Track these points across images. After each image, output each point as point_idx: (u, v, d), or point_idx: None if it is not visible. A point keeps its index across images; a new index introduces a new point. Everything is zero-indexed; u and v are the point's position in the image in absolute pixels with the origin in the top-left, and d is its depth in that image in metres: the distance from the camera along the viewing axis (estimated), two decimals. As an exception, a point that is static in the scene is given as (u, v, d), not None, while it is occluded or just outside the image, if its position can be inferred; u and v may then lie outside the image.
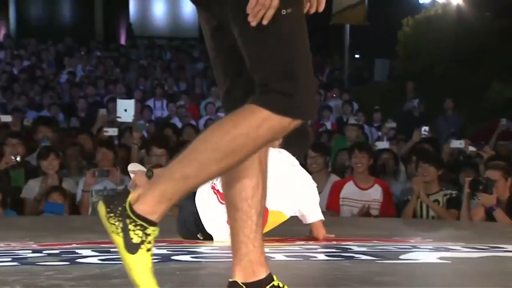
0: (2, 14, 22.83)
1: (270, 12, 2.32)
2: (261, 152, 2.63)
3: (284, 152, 4.78)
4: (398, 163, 8.39)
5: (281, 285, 2.63)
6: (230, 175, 2.65)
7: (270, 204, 4.51)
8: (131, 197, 2.52)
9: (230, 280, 2.65)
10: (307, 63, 2.45)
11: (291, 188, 4.69)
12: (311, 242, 4.71)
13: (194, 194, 4.73)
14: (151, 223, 2.53)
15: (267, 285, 2.60)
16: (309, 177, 4.92)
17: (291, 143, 4.72)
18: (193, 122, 13.05)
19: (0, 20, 22.80)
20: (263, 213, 4.55)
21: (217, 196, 4.64)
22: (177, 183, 2.47)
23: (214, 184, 4.61)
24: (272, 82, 2.40)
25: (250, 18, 2.33)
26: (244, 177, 2.65)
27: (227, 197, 2.72)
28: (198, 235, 4.76)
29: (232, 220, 2.69)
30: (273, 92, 2.40)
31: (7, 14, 23.04)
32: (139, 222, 2.53)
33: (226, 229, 4.54)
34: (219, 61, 2.63)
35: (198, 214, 4.72)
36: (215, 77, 2.69)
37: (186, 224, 4.85)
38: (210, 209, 4.68)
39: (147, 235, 2.55)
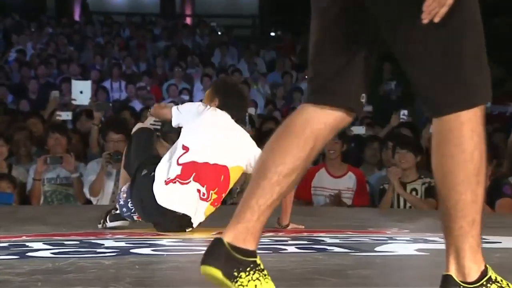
0: None
1: (444, 10, 2.33)
2: (317, 143, 2.69)
3: (224, 113, 5.02)
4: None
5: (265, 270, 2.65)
6: (279, 144, 2.73)
7: (228, 160, 4.83)
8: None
9: (217, 237, 2.66)
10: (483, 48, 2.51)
11: (242, 143, 4.97)
12: (280, 234, 4.74)
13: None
14: None
15: (250, 257, 2.62)
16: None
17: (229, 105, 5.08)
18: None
19: None
20: (285, 200, 4.68)
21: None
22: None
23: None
24: (460, 81, 2.46)
25: (424, 16, 2.34)
26: (290, 153, 2.68)
27: (263, 159, 2.75)
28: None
29: (254, 184, 2.69)
30: (464, 90, 2.46)
31: None
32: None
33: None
34: (338, 35, 2.64)
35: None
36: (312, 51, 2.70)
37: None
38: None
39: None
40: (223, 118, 5.03)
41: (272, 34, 22.82)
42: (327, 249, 4.10)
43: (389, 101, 14.27)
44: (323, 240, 4.42)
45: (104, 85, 14.34)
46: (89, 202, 7.39)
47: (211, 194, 4.80)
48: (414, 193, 7.05)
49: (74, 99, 9.10)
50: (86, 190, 7.46)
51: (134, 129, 5.37)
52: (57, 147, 7.64)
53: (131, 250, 4.00)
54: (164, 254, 3.97)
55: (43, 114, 9.63)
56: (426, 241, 4.39)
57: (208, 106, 5.04)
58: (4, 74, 15.30)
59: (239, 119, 5.14)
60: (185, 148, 4.83)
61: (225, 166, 4.83)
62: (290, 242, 4.40)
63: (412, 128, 8.93)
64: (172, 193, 4.74)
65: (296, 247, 4.15)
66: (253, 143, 4.98)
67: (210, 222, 5.29)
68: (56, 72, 15.65)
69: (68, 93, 11.38)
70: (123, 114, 9.65)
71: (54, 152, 7.60)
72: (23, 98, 13.58)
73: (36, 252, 3.92)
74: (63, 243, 4.29)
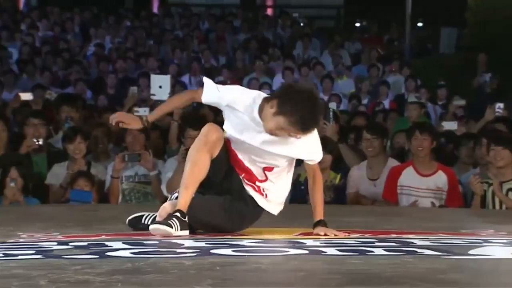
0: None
1: None
2: None
3: None
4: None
5: None
6: None
7: None
8: None
9: None
10: None
11: None
12: (367, 235, 4.69)
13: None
14: None
15: None
16: None
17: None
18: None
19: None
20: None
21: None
22: None
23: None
24: None
25: None
26: None
27: None
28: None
29: None
30: None
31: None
32: None
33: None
34: None
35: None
36: None
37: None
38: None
39: None
40: None
41: (357, 25, 22.69)
42: (417, 251, 4.03)
43: (484, 94, 14.03)
44: (412, 242, 4.35)
45: (182, 80, 14.40)
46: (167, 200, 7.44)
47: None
48: (510, 193, 6.91)
49: (153, 94, 9.13)
50: (163, 187, 7.50)
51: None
52: (135, 144, 7.71)
53: (211, 251, 4.00)
54: (245, 255, 3.94)
55: (120, 110, 9.70)
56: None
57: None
58: (82, 68, 15.48)
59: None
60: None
61: None
62: (377, 244, 4.33)
63: (508, 123, 8.67)
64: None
65: (384, 249, 4.08)
66: None
67: (290, 222, 5.30)
68: (134, 67, 15.78)
69: (145, 88, 11.47)
70: (202, 110, 9.68)
71: (132, 149, 7.68)
72: (101, 93, 13.73)
73: (116, 252, 3.95)
74: (143, 243, 4.32)
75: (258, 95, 4.82)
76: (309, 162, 4.88)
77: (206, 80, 4.95)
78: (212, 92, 4.89)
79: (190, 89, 4.81)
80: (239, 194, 4.86)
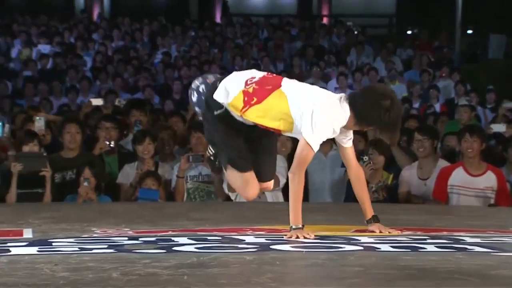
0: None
1: None
2: None
3: None
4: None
5: None
6: None
7: None
8: None
9: None
10: None
11: None
12: (419, 232, 4.65)
13: None
14: None
15: None
16: None
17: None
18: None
19: (95, 0, 23.19)
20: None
21: None
22: None
23: None
24: None
25: None
26: None
27: None
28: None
29: None
30: None
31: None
32: None
33: None
34: None
35: None
36: None
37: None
38: None
39: None
40: None
41: (409, 32, 22.54)
42: (467, 248, 3.98)
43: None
44: (463, 240, 4.29)
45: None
46: (229, 199, 7.44)
47: None
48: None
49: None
50: (225, 186, 7.51)
51: None
52: (198, 145, 7.72)
53: (271, 246, 3.99)
54: (303, 251, 3.94)
55: (185, 114, 9.76)
56: None
57: None
58: (150, 75, 15.61)
59: None
60: None
61: None
62: (429, 240, 4.28)
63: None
64: None
65: (436, 246, 4.04)
66: None
67: (346, 219, 5.27)
68: (199, 73, 15.84)
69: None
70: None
71: (196, 151, 7.70)
72: (168, 98, 13.83)
73: (182, 247, 3.98)
74: (206, 238, 4.34)
75: (338, 102, 4.52)
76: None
77: (310, 139, 4.43)
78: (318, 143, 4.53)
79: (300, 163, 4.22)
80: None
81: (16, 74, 15.56)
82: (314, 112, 4.36)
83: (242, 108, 4.50)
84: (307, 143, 4.36)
